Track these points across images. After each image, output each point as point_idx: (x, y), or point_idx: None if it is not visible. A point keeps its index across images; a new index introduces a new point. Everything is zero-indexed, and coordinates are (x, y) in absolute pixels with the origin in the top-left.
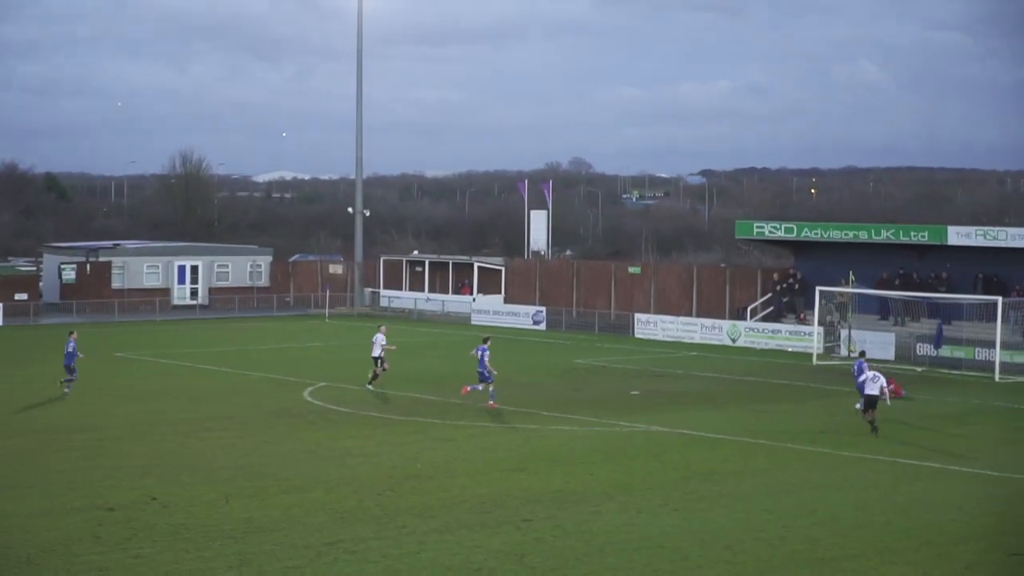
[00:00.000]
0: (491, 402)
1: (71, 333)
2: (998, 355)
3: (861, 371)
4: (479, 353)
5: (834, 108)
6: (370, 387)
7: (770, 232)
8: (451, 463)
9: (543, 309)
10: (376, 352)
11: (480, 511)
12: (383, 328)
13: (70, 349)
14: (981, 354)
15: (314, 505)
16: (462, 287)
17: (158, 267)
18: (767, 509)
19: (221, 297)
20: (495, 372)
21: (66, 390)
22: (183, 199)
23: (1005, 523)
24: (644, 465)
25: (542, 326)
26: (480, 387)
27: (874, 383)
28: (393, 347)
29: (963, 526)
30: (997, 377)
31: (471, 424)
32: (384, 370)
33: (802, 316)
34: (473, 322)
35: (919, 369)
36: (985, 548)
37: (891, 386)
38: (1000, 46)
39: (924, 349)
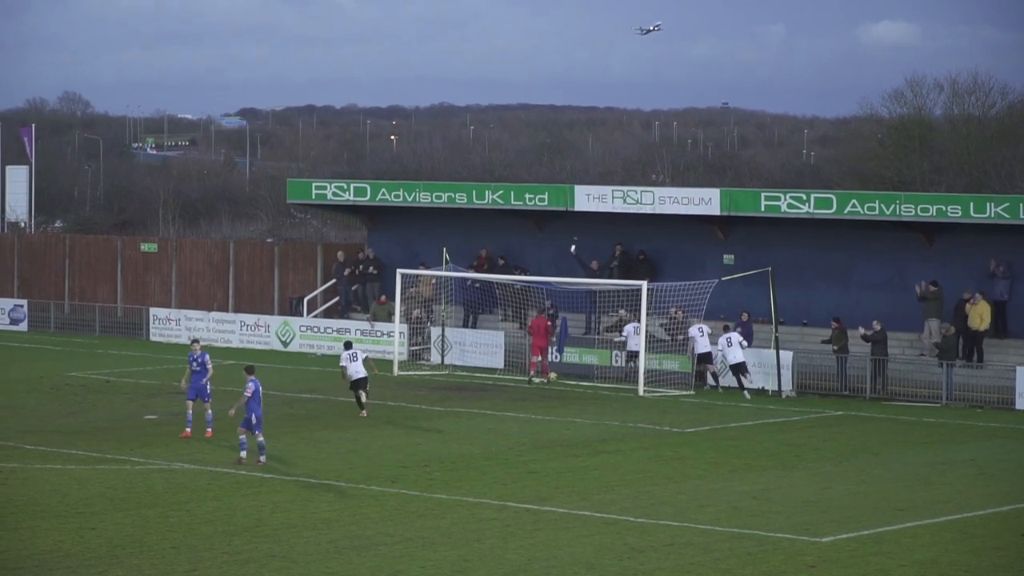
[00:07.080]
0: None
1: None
2: (642, 361)
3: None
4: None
5: (405, 28)
6: None
7: (335, 194)
8: None
9: (24, 303)
10: None
11: None
12: None
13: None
14: (620, 359)
15: None
16: None
17: None
18: (333, 573)
19: None
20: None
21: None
22: None
23: None
24: (165, 516)
25: (23, 326)
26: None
27: None
28: None
29: None
30: (641, 391)
31: None
32: None
33: (382, 300)
34: None
35: (537, 380)
36: None
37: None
38: None
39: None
